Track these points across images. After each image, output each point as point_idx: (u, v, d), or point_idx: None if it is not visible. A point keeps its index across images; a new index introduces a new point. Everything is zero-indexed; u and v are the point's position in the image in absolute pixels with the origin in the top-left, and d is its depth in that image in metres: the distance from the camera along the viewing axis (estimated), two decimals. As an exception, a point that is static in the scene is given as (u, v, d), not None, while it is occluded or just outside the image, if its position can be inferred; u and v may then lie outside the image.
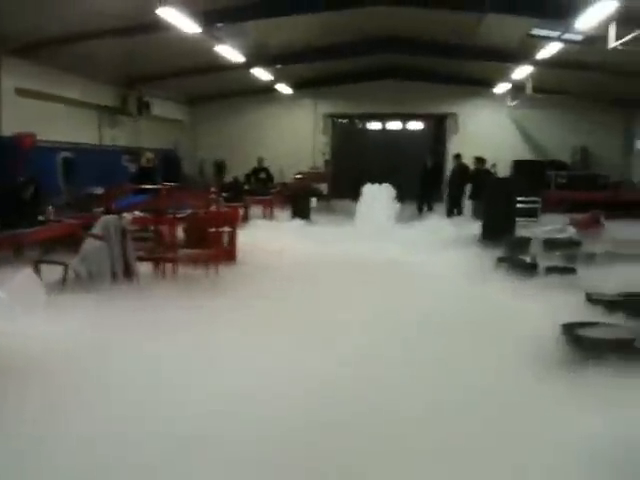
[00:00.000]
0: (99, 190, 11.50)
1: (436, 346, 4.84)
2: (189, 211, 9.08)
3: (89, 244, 7.02)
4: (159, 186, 9.92)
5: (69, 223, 8.41)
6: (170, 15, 10.02)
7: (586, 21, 10.04)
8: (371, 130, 22.38)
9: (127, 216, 7.70)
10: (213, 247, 8.49)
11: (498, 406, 3.75)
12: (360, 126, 22.46)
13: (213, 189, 12.89)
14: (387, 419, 3.58)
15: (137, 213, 8.56)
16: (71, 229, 8.23)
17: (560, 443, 3.30)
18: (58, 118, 13.71)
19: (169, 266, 7.85)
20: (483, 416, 3.62)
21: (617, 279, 6.59)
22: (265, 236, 11.12)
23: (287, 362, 4.42)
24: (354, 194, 14.47)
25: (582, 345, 4.53)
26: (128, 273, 7.21)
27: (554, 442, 3.31)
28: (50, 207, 8.73)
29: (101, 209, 8.81)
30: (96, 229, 7.09)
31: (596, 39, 11.81)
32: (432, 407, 3.73)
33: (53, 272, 6.95)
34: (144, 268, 7.71)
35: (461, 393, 3.95)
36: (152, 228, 8.59)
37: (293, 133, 20.70)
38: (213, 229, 8.71)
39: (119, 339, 4.81)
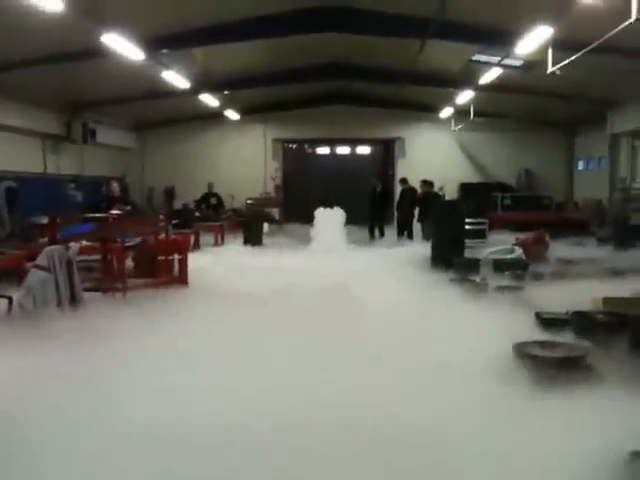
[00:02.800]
0: (44, 220, 11.20)
1: (387, 367, 4.81)
2: (138, 239, 8.91)
3: (34, 275, 6.79)
4: (105, 214, 9.74)
5: (13, 254, 8.14)
6: (114, 41, 9.93)
7: (525, 47, 10.42)
8: (321, 155, 22.56)
9: (73, 246, 7.49)
10: (163, 276, 8.35)
11: (450, 428, 3.74)
12: (310, 151, 22.61)
13: (162, 216, 12.72)
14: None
15: (84, 242, 8.35)
16: (15, 260, 7.97)
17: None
18: (0, 146, 13.37)
19: (118, 295, 7.66)
20: (433, 437, 3.60)
21: (564, 297, 6.73)
22: (216, 263, 10.99)
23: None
24: (306, 218, 14.50)
25: (534, 363, 4.59)
26: (75, 305, 7.00)
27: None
28: (-8, 238, 8.44)
29: (46, 239, 8.57)
30: (40, 260, 6.87)
31: (535, 64, 12.25)
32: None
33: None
34: (92, 297, 7.49)
35: (415, 412, 3.93)
36: (99, 257, 8.38)
37: (243, 158, 20.68)
38: (163, 257, 8.57)
39: (51, 379, 4.55)
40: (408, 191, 16.11)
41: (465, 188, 19.94)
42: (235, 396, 4.14)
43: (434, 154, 20.36)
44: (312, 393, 4.18)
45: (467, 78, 14.78)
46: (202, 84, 15.19)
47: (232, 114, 19.31)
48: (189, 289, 8.58)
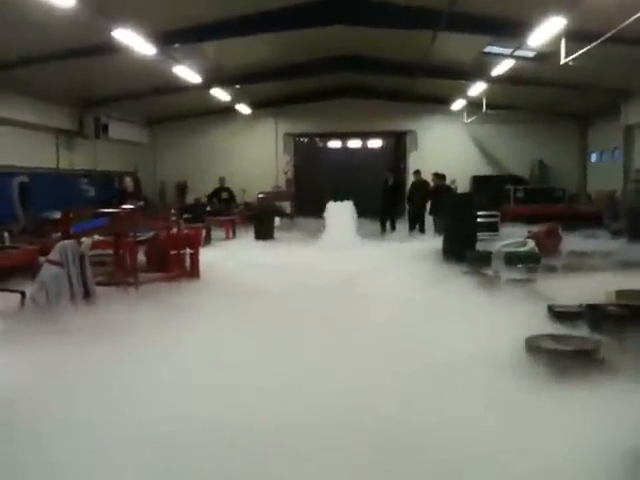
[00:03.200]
0: (57, 215, 11.28)
1: (406, 359, 4.81)
2: (150, 233, 8.95)
3: (47, 270, 6.84)
4: (118, 209, 9.78)
5: (26, 249, 8.21)
6: (125, 36, 9.96)
7: (537, 38, 10.33)
8: (332, 148, 22.53)
9: (86, 240, 7.54)
10: (175, 270, 8.38)
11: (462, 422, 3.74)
12: (321, 145, 22.58)
13: (174, 210, 12.79)
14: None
15: (96, 237, 8.40)
16: (28, 255, 8.04)
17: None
18: (14, 142, 13.46)
19: (131, 289, 7.70)
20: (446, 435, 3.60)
21: (577, 290, 6.69)
22: (226, 258, 10.99)
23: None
24: (317, 212, 14.50)
25: (547, 356, 4.56)
26: (88, 299, 7.04)
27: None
28: (6, 233, 8.50)
29: (59, 234, 8.63)
30: (53, 255, 6.92)
31: (548, 55, 12.14)
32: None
33: (10, 300, 6.74)
34: (105, 291, 7.53)
35: (430, 408, 3.93)
36: (112, 252, 8.43)
37: (254, 153, 20.69)
38: (174, 251, 8.60)
39: (59, 374, 4.55)
40: (420, 184, 16.04)
41: (477, 181, 19.82)
42: (235, 396, 4.11)
43: (446, 147, 20.26)
44: (316, 394, 4.15)
45: (479, 70, 14.68)
46: (213, 79, 15.20)
47: (243, 108, 19.32)
48: (200, 283, 8.61)
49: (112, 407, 4.00)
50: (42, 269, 6.89)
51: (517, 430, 3.60)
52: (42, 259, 7.26)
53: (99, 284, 7.50)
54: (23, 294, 6.76)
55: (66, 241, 7.25)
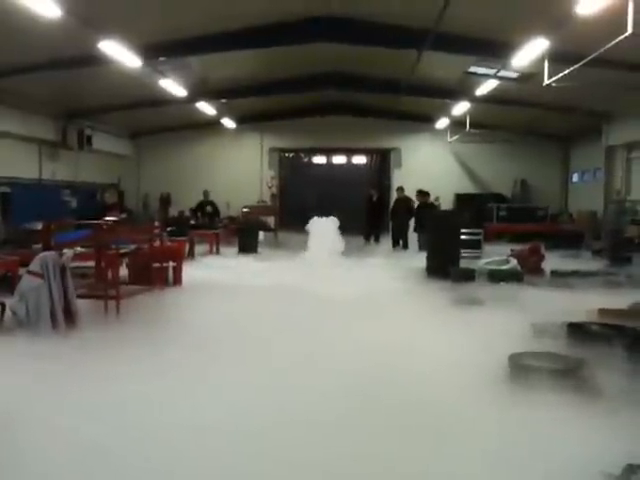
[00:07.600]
0: (38, 225, 11.15)
1: (391, 381, 4.79)
2: (133, 246, 8.87)
3: (27, 282, 6.73)
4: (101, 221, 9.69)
5: (6, 260, 8.10)
6: (111, 49, 9.94)
7: (521, 59, 10.48)
8: (317, 164, 22.59)
9: (67, 252, 7.45)
10: (157, 283, 8.31)
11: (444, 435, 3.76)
12: (306, 160, 22.64)
13: (157, 223, 12.69)
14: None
15: (78, 249, 8.31)
16: (8, 266, 7.94)
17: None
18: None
19: (112, 302, 7.60)
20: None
21: (559, 308, 6.73)
22: (211, 273, 10.87)
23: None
24: (301, 227, 14.50)
25: (529, 374, 4.57)
26: (68, 312, 6.94)
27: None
28: (-15, 244, 8.37)
29: (40, 245, 8.53)
30: (34, 266, 6.82)
31: (531, 76, 12.31)
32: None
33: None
34: (86, 304, 7.42)
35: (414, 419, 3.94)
36: (93, 264, 8.34)
37: (239, 167, 20.70)
38: (157, 264, 8.54)
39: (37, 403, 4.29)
40: (403, 201, 16.11)
41: (461, 198, 20.00)
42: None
43: (430, 164, 20.42)
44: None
45: (463, 89, 14.85)
46: (199, 92, 15.21)
47: (229, 123, 19.34)
48: (183, 297, 8.52)
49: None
50: (22, 280, 6.79)
51: (495, 444, 3.62)
52: (22, 270, 7.17)
53: (80, 297, 7.40)
54: (3, 305, 6.66)
55: (47, 252, 7.16)
